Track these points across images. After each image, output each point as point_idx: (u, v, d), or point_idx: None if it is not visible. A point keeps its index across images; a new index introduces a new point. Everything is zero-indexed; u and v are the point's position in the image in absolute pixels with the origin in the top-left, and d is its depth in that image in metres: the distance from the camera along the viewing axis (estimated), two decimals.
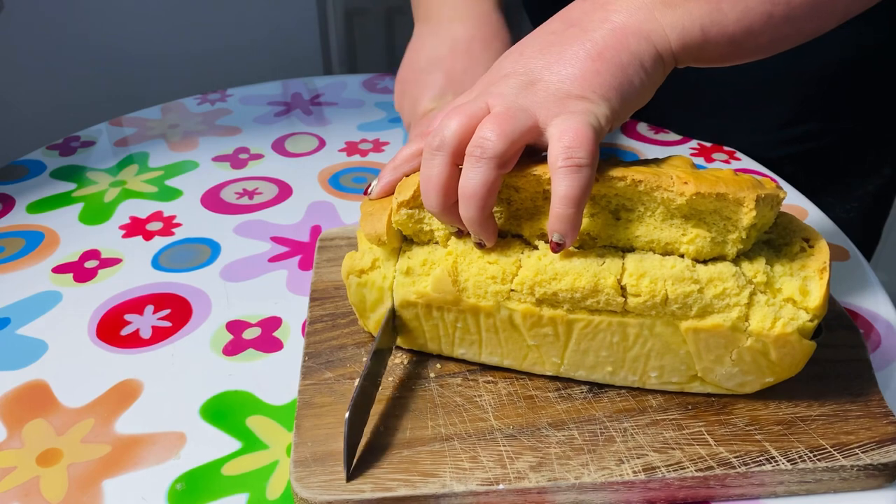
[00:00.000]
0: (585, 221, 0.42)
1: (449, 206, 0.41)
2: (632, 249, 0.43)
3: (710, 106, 0.79)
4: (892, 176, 0.81)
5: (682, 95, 0.79)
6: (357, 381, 0.43)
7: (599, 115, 0.40)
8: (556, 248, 0.40)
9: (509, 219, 0.44)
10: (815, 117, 0.76)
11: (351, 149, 0.80)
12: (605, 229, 0.42)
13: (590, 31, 0.41)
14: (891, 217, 0.88)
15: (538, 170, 0.42)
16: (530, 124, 0.40)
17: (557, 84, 0.40)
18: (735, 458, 0.41)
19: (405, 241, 0.46)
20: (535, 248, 0.43)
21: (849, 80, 0.73)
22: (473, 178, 0.39)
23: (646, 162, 0.44)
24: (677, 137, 0.81)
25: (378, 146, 0.81)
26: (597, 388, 0.46)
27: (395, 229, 0.45)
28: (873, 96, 0.76)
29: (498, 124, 0.39)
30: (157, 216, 0.69)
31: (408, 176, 0.46)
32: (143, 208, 0.70)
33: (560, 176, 0.38)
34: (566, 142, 0.38)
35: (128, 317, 0.56)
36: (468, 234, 0.43)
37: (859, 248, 0.63)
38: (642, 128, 0.83)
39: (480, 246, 0.43)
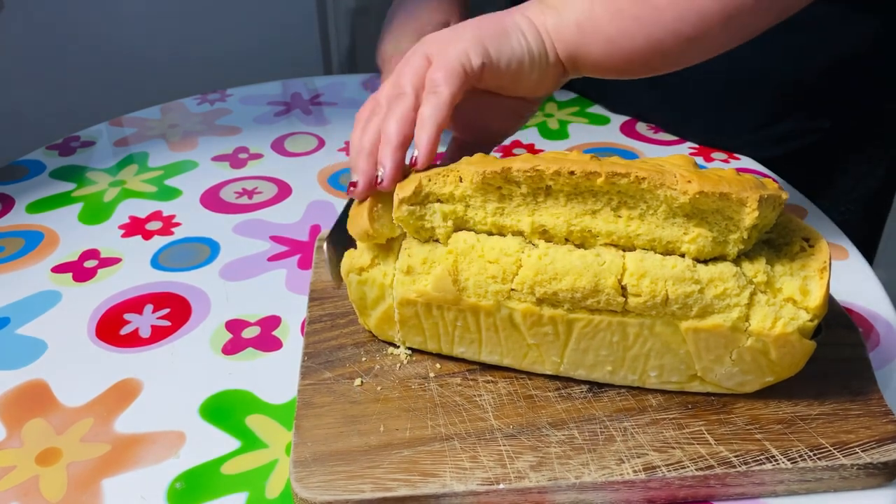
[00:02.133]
0: (587, 218, 0.42)
1: (374, 149, 0.47)
2: (633, 247, 0.43)
3: (700, 105, 0.79)
4: (886, 177, 0.81)
5: (672, 95, 0.80)
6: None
7: (471, 53, 0.46)
8: (412, 161, 0.46)
9: (510, 214, 0.44)
10: (803, 116, 0.77)
11: None
12: (606, 226, 0.42)
13: (482, 17, 0.50)
14: (890, 217, 0.88)
15: (541, 165, 0.42)
16: (423, 61, 0.47)
17: (442, 37, 0.48)
18: (735, 457, 0.41)
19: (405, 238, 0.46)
20: (536, 246, 0.43)
21: (838, 78, 0.74)
22: (393, 115, 0.46)
23: (647, 161, 0.44)
24: (676, 137, 0.81)
25: None
26: (597, 387, 0.46)
27: (382, 224, 0.45)
28: (860, 96, 0.76)
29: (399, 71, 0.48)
30: (156, 216, 0.69)
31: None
32: (142, 208, 0.70)
33: (424, 100, 0.46)
34: (432, 73, 0.46)
35: (127, 316, 0.56)
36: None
37: (859, 250, 0.63)
38: (641, 127, 0.83)
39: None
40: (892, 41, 0.72)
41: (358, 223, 0.46)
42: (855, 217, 0.80)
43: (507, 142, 0.81)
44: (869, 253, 0.84)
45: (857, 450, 0.41)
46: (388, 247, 0.46)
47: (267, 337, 0.54)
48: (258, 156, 0.79)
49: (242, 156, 0.79)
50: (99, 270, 0.61)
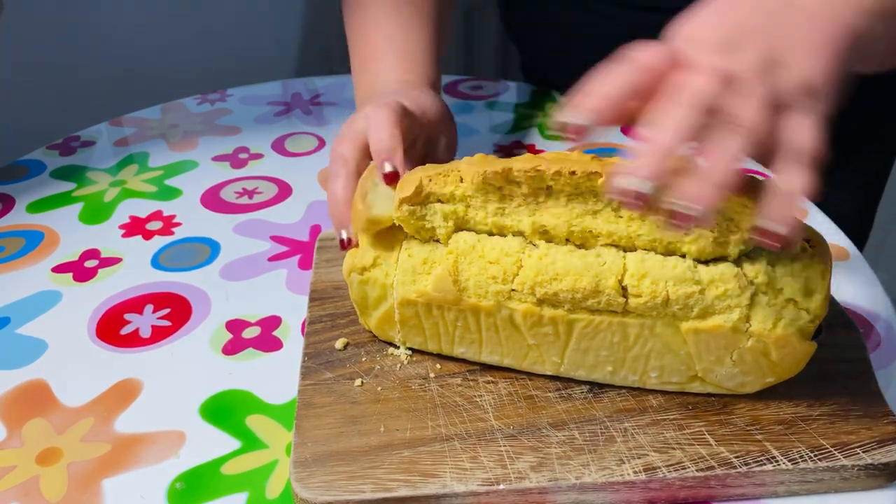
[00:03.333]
0: (588, 219, 0.42)
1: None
2: (633, 248, 0.43)
3: None
4: (882, 171, 0.82)
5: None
6: None
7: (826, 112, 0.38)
8: (777, 239, 0.36)
9: (511, 214, 0.44)
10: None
11: None
12: (606, 226, 0.42)
13: (823, 14, 0.39)
14: (891, 216, 0.88)
15: (542, 165, 0.42)
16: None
17: (802, 75, 0.37)
18: (736, 457, 0.41)
19: (407, 238, 0.46)
20: (536, 247, 0.43)
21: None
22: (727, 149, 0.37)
23: None
24: None
25: None
26: (597, 388, 0.46)
27: (381, 207, 0.45)
28: (861, 98, 0.76)
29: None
30: (156, 216, 0.69)
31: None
32: (142, 208, 0.70)
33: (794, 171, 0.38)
34: (800, 145, 0.37)
35: (127, 316, 0.56)
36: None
37: (853, 240, 0.63)
38: None
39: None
40: None
41: (359, 215, 0.46)
42: (848, 210, 0.80)
43: (507, 142, 0.81)
44: (861, 243, 0.84)
45: (857, 450, 0.41)
46: (389, 247, 0.46)
47: (267, 337, 0.54)
48: (258, 156, 0.79)
49: (243, 156, 0.79)
50: (99, 270, 0.61)
